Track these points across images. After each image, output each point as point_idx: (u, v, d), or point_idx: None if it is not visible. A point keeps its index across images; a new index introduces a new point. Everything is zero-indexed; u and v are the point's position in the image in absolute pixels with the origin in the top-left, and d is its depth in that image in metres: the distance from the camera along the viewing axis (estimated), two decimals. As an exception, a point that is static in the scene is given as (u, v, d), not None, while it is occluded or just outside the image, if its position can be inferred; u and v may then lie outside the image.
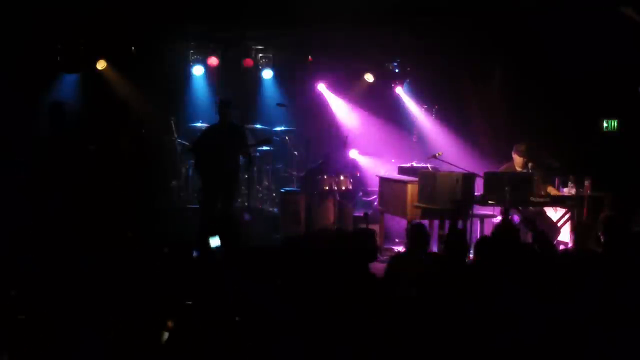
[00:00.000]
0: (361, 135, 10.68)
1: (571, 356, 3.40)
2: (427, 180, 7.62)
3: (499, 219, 8.30)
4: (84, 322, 3.55)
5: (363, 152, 10.51)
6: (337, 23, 9.36)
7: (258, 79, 10.92)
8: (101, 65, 10.04)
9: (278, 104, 9.99)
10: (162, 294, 3.85)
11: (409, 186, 7.85)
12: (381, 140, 10.72)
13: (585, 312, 3.61)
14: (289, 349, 3.37)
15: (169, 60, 10.54)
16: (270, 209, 10.18)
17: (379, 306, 3.80)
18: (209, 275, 4.30)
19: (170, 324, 3.45)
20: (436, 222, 7.81)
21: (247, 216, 8.95)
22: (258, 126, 10.41)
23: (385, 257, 6.37)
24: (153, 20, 9.42)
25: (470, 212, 7.48)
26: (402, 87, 11.05)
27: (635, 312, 3.65)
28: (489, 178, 7.53)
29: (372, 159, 10.47)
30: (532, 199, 7.55)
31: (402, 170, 8.94)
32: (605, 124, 9.96)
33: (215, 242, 6.08)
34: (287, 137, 10.53)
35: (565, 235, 8.11)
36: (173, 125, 10.16)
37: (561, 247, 8.03)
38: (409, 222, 7.81)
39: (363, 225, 7.63)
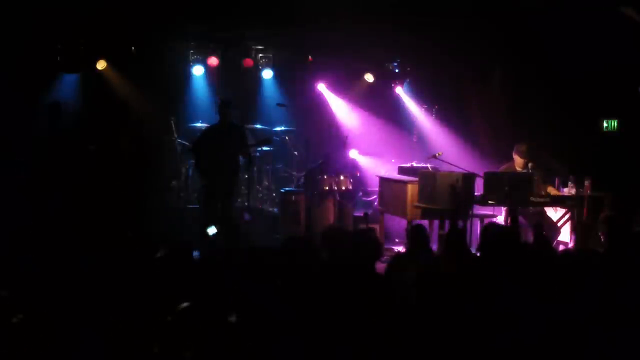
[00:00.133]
0: (361, 135, 10.67)
1: (571, 356, 3.40)
2: (427, 180, 7.62)
3: (499, 219, 8.31)
4: (84, 322, 3.55)
5: (363, 152, 10.51)
6: (337, 23, 9.36)
7: (258, 79, 10.91)
8: (101, 65, 10.03)
9: (278, 104, 9.99)
10: (162, 294, 3.85)
11: (409, 186, 7.85)
12: (381, 140, 10.71)
13: (585, 312, 3.61)
14: (289, 349, 3.37)
15: (169, 60, 10.54)
16: (270, 209, 10.18)
17: (379, 306, 3.80)
18: (209, 275, 4.30)
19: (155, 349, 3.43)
20: (436, 222, 7.81)
21: (247, 216, 8.95)
22: (258, 126, 10.41)
23: (385, 257, 6.36)
24: (153, 20, 9.42)
25: (470, 212, 7.48)
26: (402, 87, 11.06)
27: (635, 312, 3.65)
28: (489, 178, 7.53)
29: (372, 159, 10.47)
30: (532, 199, 7.55)
31: (402, 170, 8.94)
32: (605, 124, 9.96)
33: (212, 230, 6.07)
34: (287, 137, 10.53)
35: (565, 235, 8.11)
36: (173, 125, 10.16)
37: (561, 247, 8.03)
38: (409, 222, 7.81)
39: (363, 226, 7.64)
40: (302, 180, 9.92)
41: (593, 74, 9.29)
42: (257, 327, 3.46)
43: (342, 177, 8.88)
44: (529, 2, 9.03)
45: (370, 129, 10.84)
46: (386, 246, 8.82)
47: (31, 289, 3.88)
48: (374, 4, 9.04)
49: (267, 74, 10.82)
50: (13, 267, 4.39)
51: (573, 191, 7.86)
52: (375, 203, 9.61)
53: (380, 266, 5.10)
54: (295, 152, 10.50)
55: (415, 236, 5.38)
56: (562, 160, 9.09)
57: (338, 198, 8.92)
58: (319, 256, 4.36)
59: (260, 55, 10.78)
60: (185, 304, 3.48)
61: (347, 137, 9.88)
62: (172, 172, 10.25)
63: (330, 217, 8.90)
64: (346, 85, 11.04)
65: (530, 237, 6.41)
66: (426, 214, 7.76)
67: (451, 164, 8.09)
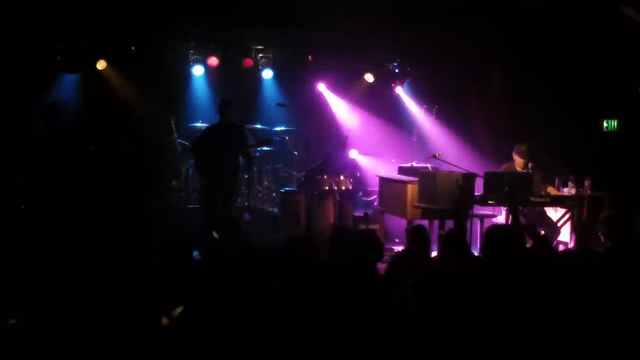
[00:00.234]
0: (361, 135, 10.68)
1: (571, 356, 3.40)
2: (427, 180, 7.62)
3: (500, 219, 8.32)
4: (84, 322, 3.55)
5: (363, 152, 10.52)
6: (337, 23, 9.36)
7: (258, 79, 10.92)
8: (101, 65, 10.04)
9: (278, 104, 9.99)
10: (162, 294, 3.85)
11: (409, 186, 7.85)
12: (381, 140, 10.72)
13: (585, 312, 3.61)
14: (289, 349, 3.37)
15: (169, 60, 10.54)
16: (270, 209, 10.18)
17: (379, 306, 3.80)
18: (209, 275, 4.30)
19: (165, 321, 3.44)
20: (436, 222, 7.81)
21: (247, 216, 8.95)
22: (258, 126, 10.41)
23: (385, 257, 6.36)
24: (153, 20, 9.42)
25: (470, 212, 7.48)
26: (402, 87, 11.06)
27: (635, 312, 3.65)
28: (489, 178, 7.53)
29: (372, 159, 10.47)
30: (532, 199, 7.55)
31: (402, 170, 8.94)
32: (605, 124, 9.97)
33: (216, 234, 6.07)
34: (287, 137, 10.53)
35: (565, 235, 8.11)
36: (173, 125, 10.16)
37: (561, 247, 8.03)
38: (409, 222, 7.81)
39: (363, 226, 7.64)
40: (302, 180, 9.92)
41: (593, 74, 9.29)
42: (257, 327, 3.46)
43: (342, 177, 8.88)
44: (529, 2, 9.02)
45: (370, 129, 10.84)
46: (386, 246, 8.82)
47: (31, 289, 3.88)
48: (374, 4, 9.04)
49: (267, 74, 10.82)
50: (13, 267, 4.39)
51: (573, 191, 7.86)
52: (375, 203, 9.61)
53: (381, 266, 5.11)
54: (295, 152, 10.50)
55: (416, 237, 5.37)
56: (562, 160, 9.10)
57: (338, 198, 8.92)
58: (319, 256, 4.36)
59: (260, 55, 10.79)
60: (179, 309, 3.48)
61: (347, 137, 9.88)
62: (172, 172, 10.26)
63: (330, 217, 8.90)
64: (346, 85, 11.04)
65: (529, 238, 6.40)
66: (426, 214, 7.76)
67: (451, 164, 8.08)
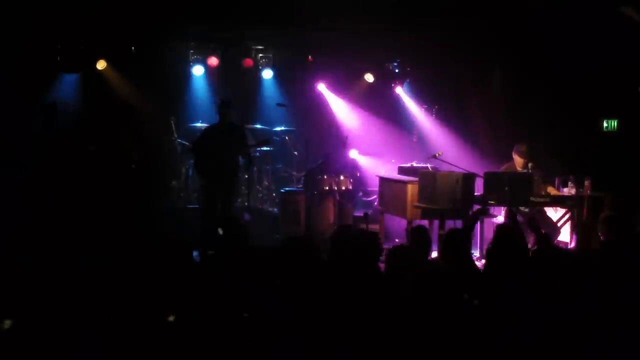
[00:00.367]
0: (361, 135, 10.68)
1: (571, 356, 3.40)
2: (427, 180, 7.62)
3: (499, 219, 8.31)
4: (84, 322, 3.55)
5: (363, 152, 10.51)
6: (337, 23, 9.36)
7: (258, 79, 10.92)
8: (101, 65, 10.04)
9: (278, 104, 9.99)
10: (162, 294, 3.85)
11: (409, 186, 7.84)
12: (381, 140, 10.72)
13: (585, 312, 3.61)
14: (289, 349, 3.37)
15: (169, 60, 10.54)
16: (270, 209, 10.18)
17: (379, 306, 3.80)
18: (209, 275, 4.30)
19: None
20: (436, 222, 7.81)
21: (247, 216, 8.95)
22: (258, 126, 10.41)
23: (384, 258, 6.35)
24: (153, 20, 9.42)
25: (471, 212, 7.47)
26: (402, 87, 11.06)
27: (635, 312, 3.65)
28: (489, 178, 7.52)
29: (372, 159, 10.47)
30: (532, 199, 7.55)
31: (402, 170, 8.93)
32: (605, 124, 9.97)
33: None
34: (287, 137, 10.53)
35: (565, 235, 8.11)
36: (173, 125, 10.17)
37: (561, 247, 8.03)
38: (409, 222, 7.80)
39: (363, 226, 7.64)
40: (302, 180, 9.92)
41: (593, 74, 9.28)
42: (257, 327, 3.46)
43: (342, 177, 8.88)
44: (528, 2, 9.02)
45: (370, 129, 10.84)
46: (386, 246, 8.80)
47: (31, 289, 3.88)
48: (374, 4, 9.03)
49: (267, 74, 10.82)
50: (13, 267, 4.39)
51: (573, 191, 7.86)
52: (375, 203, 9.61)
53: (381, 266, 5.11)
54: (295, 152, 10.50)
55: (416, 237, 5.37)
56: (562, 160, 9.10)
57: (338, 198, 8.92)
58: (319, 256, 4.36)
59: (260, 55, 10.79)
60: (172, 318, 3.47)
61: (347, 137, 9.88)
62: (172, 172, 10.26)
63: (330, 217, 8.90)
64: (346, 85, 11.04)
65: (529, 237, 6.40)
66: (426, 214, 7.76)
67: (451, 164, 8.08)
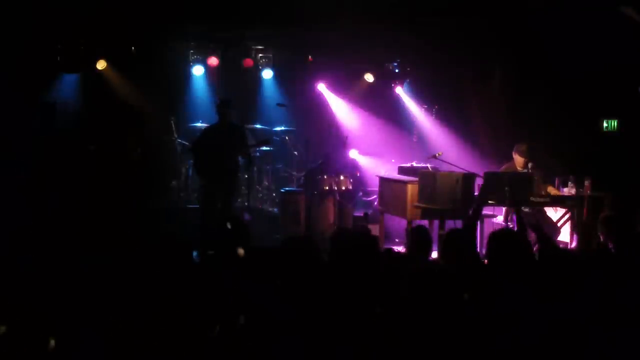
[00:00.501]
0: (361, 135, 10.68)
1: (571, 356, 3.40)
2: (427, 180, 7.62)
3: (499, 219, 8.32)
4: (84, 322, 3.55)
5: (363, 152, 10.52)
6: (337, 23, 9.36)
7: (258, 79, 10.93)
8: (101, 65, 10.04)
9: (278, 104, 9.99)
10: (162, 294, 3.85)
11: (409, 186, 7.84)
12: (381, 140, 10.72)
13: (586, 312, 3.61)
14: (289, 349, 3.37)
15: (169, 60, 10.55)
16: (270, 209, 10.19)
17: (380, 306, 3.80)
18: (209, 275, 4.30)
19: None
20: (436, 222, 7.81)
21: (247, 216, 8.95)
22: (258, 126, 10.42)
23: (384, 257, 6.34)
24: (153, 20, 9.42)
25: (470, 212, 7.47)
26: (402, 87, 11.06)
27: (635, 312, 3.65)
28: (489, 178, 7.53)
29: (372, 159, 10.47)
30: (532, 199, 7.55)
31: (402, 170, 8.93)
32: (605, 124, 9.97)
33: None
34: (287, 137, 10.54)
35: (565, 235, 8.11)
36: (173, 125, 10.17)
37: (561, 247, 8.03)
38: (409, 222, 7.80)
39: (364, 225, 7.65)
40: (302, 180, 9.93)
41: (593, 74, 9.28)
42: (257, 327, 3.46)
43: (342, 177, 8.88)
44: (528, 2, 9.02)
45: (370, 129, 10.85)
46: (386, 246, 8.81)
47: (31, 289, 3.88)
48: (374, 4, 9.04)
49: (267, 74, 10.83)
50: (13, 267, 4.39)
51: (573, 191, 7.86)
52: (375, 203, 9.61)
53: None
54: (295, 152, 10.50)
55: (417, 238, 5.36)
56: (562, 160, 9.10)
57: (338, 198, 8.92)
58: (319, 256, 4.36)
59: (260, 55, 10.80)
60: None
61: (347, 137, 9.88)
62: (172, 172, 10.26)
63: (330, 217, 8.90)
64: (346, 85, 11.05)
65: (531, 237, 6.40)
66: (426, 214, 7.76)
67: (451, 164, 8.08)
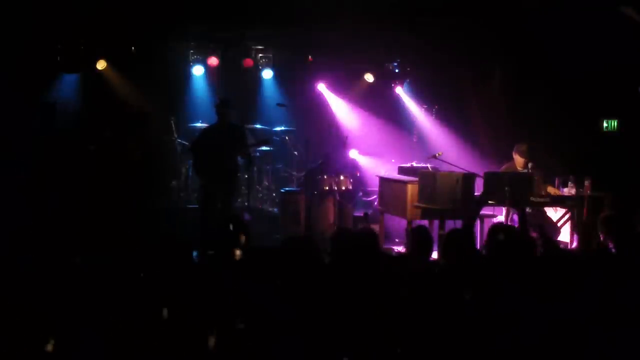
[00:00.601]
0: (361, 135, 10.68)
1: (571, 356, 3.40)
2: (427, 180, 7.62)
3: (499, 219, 8.31)
4: (84, 322, 3.55)
5: (363, 152, 10.52)
6: (337, 23, 9.37)
7: (258, 79, 10.93)
8: (101, 65, 10.04)
9: (278, 104, 9.99)
10: (162, 294, 3.85)
11: (409, 186, 7.84)
12: (381, 140, 10.72)
13: (586, 312, 3.61)
14: (289, 349, 3.37)
15: (169, 60, 10.55)
16: (270, 209, 10.19)
17: (380, 307, 3.80)
18: (209, 275, 4.30)
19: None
20: (436, 222, 7.81)
21: (247, 216, 8.95)
22: (258, 126, 10.42)
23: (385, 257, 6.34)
24: (153, 20, 9.42)
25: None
26: (402, 87, 11.06)
27: (635, 312, 3.65)
28: (489, 178, 7.52)
29: (372, 159, 10.47)
30: (532, 199, 7.55)
31: (402, 170, 8.93)
32: (605, 124, 9.97)
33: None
34: (287, 137, 10.54)
35: (565, 235, 8.11)
36: (173, 125, 10.17)
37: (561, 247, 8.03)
38: (409, 222, 7.80)
39: (362, 225, 7.65)
40: (302, 180, 9.92)
41: (593, 74, 9.29)
42: (257, 327, 3.46)
43: (342, 177, 8.88)
44: (529, 2, 9.02)
45: (370, 129, 10.85)
46: (386, 246, 8.82)
47: (31, 289, 3.88)
48: (374, 4, 9.04)
49: (267, 74, 10.83)
50: (13, 267, 4.39)
51: (573, 191, 7.86)
52: (375, 203, 9.61)
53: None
54: (295, 152, 10.50)
55: (418, 238, 5.36)
56: (562, 160, 9.10)
57: (338, 198, 8.92)
58: (319, 256, 4.36)
59: (260, 55, 10.80)
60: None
61: (347, 137, 9.88)
62: (172, 172, 10.26)
63: (330, 217, 8.90)
64: (346, 85, 11.05)
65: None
66: (426, 214, 7.76)
67: (451, 164, 8.08)
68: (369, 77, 10.96)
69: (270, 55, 10.80)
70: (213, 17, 9.51)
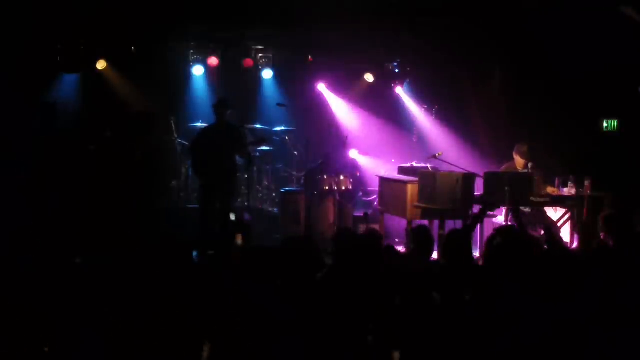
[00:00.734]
0: (361, 135, 10.68)
1: (571, 356, 3.40)
2: (427, 180, 7.62)
3: (500, 219, 8.32)
4: (84, 322, 3.55)
5: (363, 152, 10.51)
6: (337, 23, 9.36)
7: (258, 79, 10.93)
8: (101, 65, 10.04)
9: (278, 104, 9.99)
10: (162, 294, 3.85)
11: (409, 186, 7.84)
12: (381, 140, 10.72)
13: (586, 312, 3.61)
14: (289, 349, 3.37)
15: (169, 60, 10.54)
16: (270, 209, 10.18)
17: (380, 306, 3.80)
18: (208, 275, 4.30)
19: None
20: (436, 222, 7.81)
21: (247, 216, 8.95)
22: (258, 126, 10.41)
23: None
24: (153, 20, 9.42)
25: (470, 212, 7.48)
26: (402, 87, 11.06)
27: (635, 312, 3.65)
28: (489, 178, 7.52)
29: (372, 159, 10.47)
30: (532, 199, 7.55)
31: (402, 170, 8.93)
32: (605, 124, 9.97)
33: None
34: (287, 137, 10.53)
35: (565, 235, 8.11)
36: (173, 125, 10.17)
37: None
38: (409, 222, 7.80)
39: (363, 226, 7.64)
40: (302, 180, 9.92)
41: (593, 74, 9.28)
42: (257, 327, 3.46)
43: (342, 177, 8.88)
44: (529, 2, 9.02)
45: (370, 129, 10.85)
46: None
47: (31, 289, 3.88)
48: (374, 4, 9.04)
49: (267, 74, 10.83)
50: (13, 267, 4.39)
51: (573, 191, 7.86)
52: (375, 203, 9.61)
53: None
54: (295, 152, 10.50)
55: (418, 238, 5.36)
56: (562, 160, 9.10)
57: (338, 198, 8.92)
58: (319, 256, 4.36)
59: (260, 55, 10.79)
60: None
61: (347, 137, 9.88)
62: (172, 172, 10.26)
63: (330, 217, 8.90)
64: (346, 85, 11.05)
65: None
66: (426, 214, 7.76)
67: (451, 164, 8.08)
68: (369, 77, 10.96)
69: (270, 55, 10.80)
70: (213, 17, 9.51)
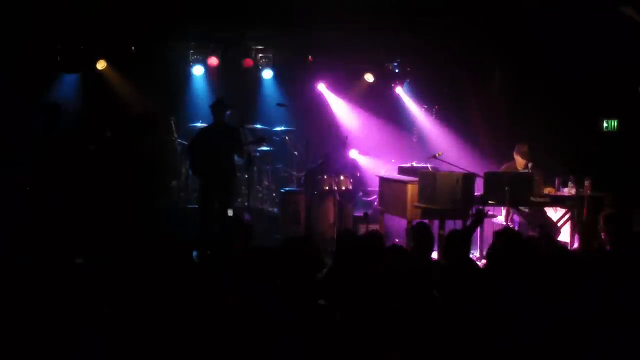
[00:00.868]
0: (361, 135, 10.68)
1: (571, 356, 3.40)
2: (427, 180, 7.62)
3: (500, 219, 8.32)
4: (84, 322, 3.55)
5: (363, 152, 10.51)
6: (338, 23, 9.36)
7: (258, 79, 10.93)
8: (101, 65, 10.04)
9: (278, 104, 9.99)
10: (162, 294, 3.85)
11: (409, 186, 7.85)
12: (381, 140, 10.72)
13: (586, 311, 3.61)
14: (289, 349, 3.37)
15: (169, 60, 10.54)
16: (270, 209, 10.18)
17: (379, 306, 3.80)
18: (208, 275, 4.30)
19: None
20: (436, 222, 7.81)
21: (247, 216, 8.95)
22: (258, 126, 10.41)
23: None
24: (153, 20, 9.42)
25: (470, 212, 7.47)
26: (402, 87, 11.06)
27: (635, 312, 3.65)
28: (489, 178, 7.53)
29: (372, 159, 10.47)
30: (532, 199, 7.55)
31: (402, 170, 8.93)
32: (605, 124, 9.97)
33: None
34: (287, 137, 10.53)
35: (565, 235, 8.11)
36: (173, 125, 10.17)
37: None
38: (409, 222, 7.80)
39: (364, 227, 7.64)
40: (302, 180, 9.92)
41: (593, 74, 9.28)
42: (257, 327, 3.46)
43: (342, 177, 8.88)
44: (529, 2, 9.02)
45: (370, 129, 10.85)
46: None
47: (31, 289, 3.88)
48: (374, 4, 9.04)
49: (267, 74, 10.83)
50: (13, 267, 4.39)
51: (573, 191, 7.86)
52: (375, 203, 9.61)
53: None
54: (295, 152, 10.50)
55: (419, 235, 5.37)
56: (562, 160, 9.10)
57: (338, 198, 8.92)
58: (319, 256, 4.36)
59: (260, 55, 10.79)
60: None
61: (347, 137, 9.88)
62: (172, 172, 10.26)
63: (330, 217, 8.90)
64: (346, 85, 11.05)
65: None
66: (426, 214, 7.75)
67: (451, 164, 8.08)
68: (369, 77, 10.96)
69: (270, 55, 10.80)
70: (213, 17, 9.51)
